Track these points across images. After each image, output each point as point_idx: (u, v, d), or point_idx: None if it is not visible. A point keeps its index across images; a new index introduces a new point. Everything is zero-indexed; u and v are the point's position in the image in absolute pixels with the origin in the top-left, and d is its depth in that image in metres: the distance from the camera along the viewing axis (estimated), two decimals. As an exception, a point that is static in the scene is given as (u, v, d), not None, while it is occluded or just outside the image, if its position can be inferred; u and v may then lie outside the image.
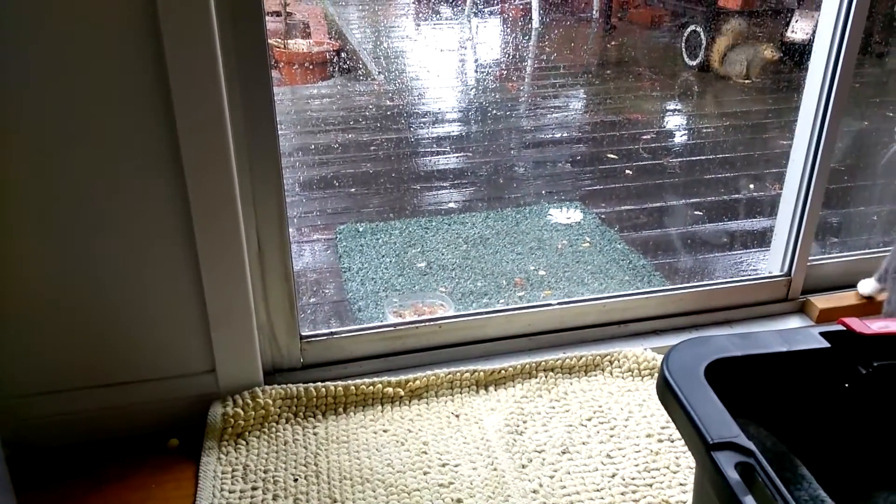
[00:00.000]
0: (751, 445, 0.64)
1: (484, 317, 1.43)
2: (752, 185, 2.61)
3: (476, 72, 3.74)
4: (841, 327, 0.81)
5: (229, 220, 1.15)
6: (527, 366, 1.38)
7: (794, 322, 1.53)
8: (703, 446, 0.65)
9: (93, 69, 1.02)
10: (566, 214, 2.34)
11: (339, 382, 1.31)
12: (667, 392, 0.72)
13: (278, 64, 3.36)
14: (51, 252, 1.11)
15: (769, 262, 1.59)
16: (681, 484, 1.14)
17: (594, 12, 4.38)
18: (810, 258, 1.55)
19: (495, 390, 1.36)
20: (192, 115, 1.06)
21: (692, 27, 3.83)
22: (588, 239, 2.20)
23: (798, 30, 3.66)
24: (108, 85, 1.03)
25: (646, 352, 1.40)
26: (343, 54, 3.56)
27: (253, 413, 1.25)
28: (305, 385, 1.30)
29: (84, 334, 1.18)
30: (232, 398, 1.26)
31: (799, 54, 3.61)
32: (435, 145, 2.88)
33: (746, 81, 3.65)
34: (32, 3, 0.97)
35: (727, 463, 0.63)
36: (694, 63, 3.83)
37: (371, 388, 1.32)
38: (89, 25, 1.00)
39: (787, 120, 3.21)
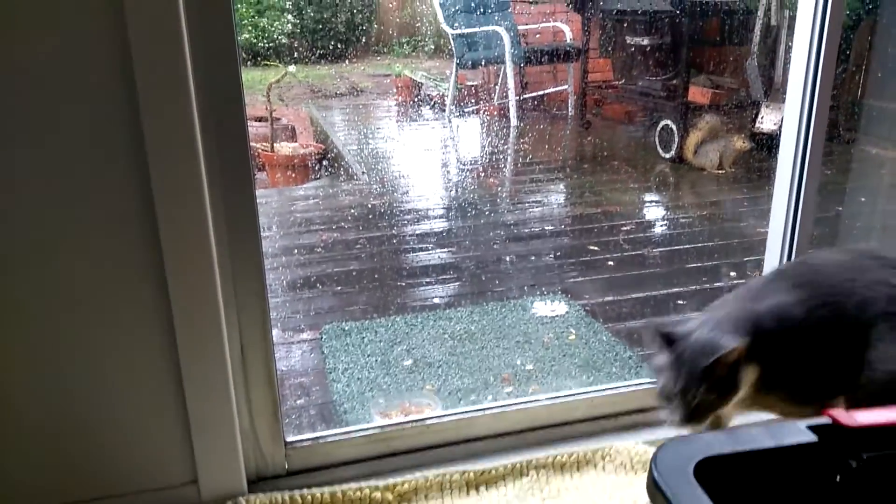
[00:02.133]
0: (744, 547, 0.63)
1: (472, 415, 1.41)
2: (732, 273, 2.65)
3: (458, 169, 3.84)
4: (828, 420, 0.81)
5: (211, 324, 1.14)
6: (517, 464, 1.35)
7: (783, 410, 1.52)
8: (696, 550, 0.64)
9: (67, 170, 1.03)
10: (551, 307, 2.35)
11: (326, 488, 1.28)
12: (657, 494, 0.71)
13: (265, 167, 3.44)
14: (21, 362, 1.10)
15: (754, 351, 1.59)
16: (680, 587, 1.10)
17: (569, 109, 4.55)
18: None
19: (486, 490, 1.32)
20: (175, 219, 1.07)
21: (664, 122, 3.98)
22: (574, 331, 2.20)
23: (766, 121, 3.81)
24: (87, 195, 1.05)
25: (638, 445, 1.38)
26: (328, 156, 3.65)
27: (236, 525, 1.21)
28: (290, 493, 1.26)
29: (57, 447, 1.15)
30: (215, 510, 1.22)
31: (768, 145, 3.74)
32: (419, 242, 2.92)
33: (720, 172, 3.77)
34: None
35: (722, 567, 0.61)
36: (668, 156, 3.96)
37: (359, 493, 1.28)
38: (71, 140, 1.02)
39: (762, 208, 3.29)
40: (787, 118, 1.46)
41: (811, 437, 0.80)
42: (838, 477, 0.80)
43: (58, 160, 1.03)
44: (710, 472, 0.73)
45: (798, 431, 0.80)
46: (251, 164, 1.14)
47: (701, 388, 1.10)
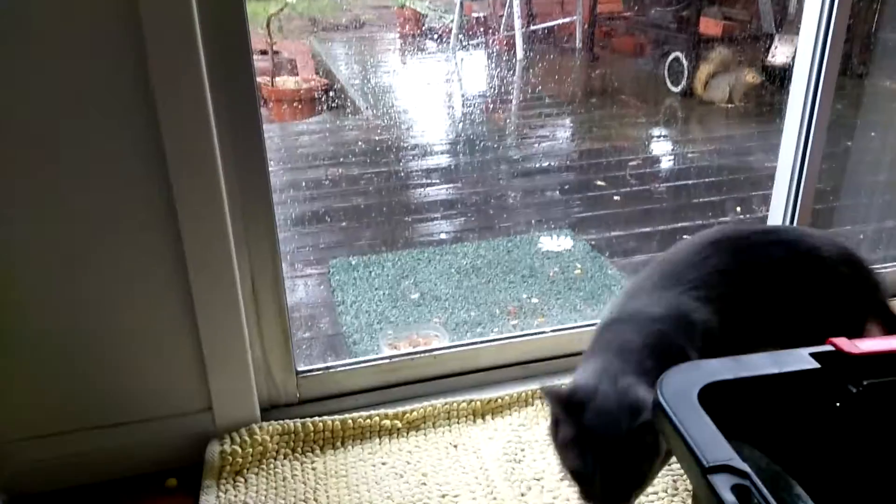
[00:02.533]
0: (745, 467, 0.65)
1: (478, 346, 1.43)
2: (738, 208, 2.64)
3: (463, 104, 3.79)
4: (830, 348, 0.82)
5: (222, 258, 1.16)
6: (523, 394, 1.38)
7: (785, 343, 1.54)
8: (698, 470, 0.66)
9: (84, 117, 1.04)
10: (557, 242, 2.36)
11: (336, 416, 1.31)
12: (662, 417, 0.73)
13: (267, 102, 3.40)
14: (43, 297, 1.12)
15: (758, 284, 1.61)
16: (680, 508, 1.15)
17: (577, 43, 4.45)
18: (799, 278, 1.56)
19: (492, 419, 1.36)
20: (183, 157, 1.08)
21: (674, 54, 3.90)
22: (579, 266, 2.22)
23: (779, 54, 3.73)
24: (97, 129, 1.05)
25: (640, 376, 1.41)
26: (331, 91, 3.60)
27: (251, 450, 1.24)
28: (303, 420, 1.30)
29: (78, 376, 1.18)
30: (229, 436, 1.26)
31: (780, 78, 3.67)
32: (425, 177, 2.91)
33: (730, 106, 3.71)
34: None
35: (723, 485, 0.63)
36: (677, 89, 3.89)
37: (368, 421, 1.32)
38: (78, 77, 1.01)
39: (771, 143, 3.25)
40: (801, 51, 1.44)
41: (814, 364, 0.81)
42: (838, 403, 0.82)
43: (67, 102, 1.02)
44: (713, 397, 0.75)
45: (801, 359, 0.82)
46: (258, 98, 1.14)
47: (626, 461, 0.89)
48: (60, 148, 1.04)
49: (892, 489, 0.84)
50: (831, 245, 1.09)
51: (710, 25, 3.91)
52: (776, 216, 1.55)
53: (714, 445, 0.68)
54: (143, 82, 1.03)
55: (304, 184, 2.76)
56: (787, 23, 3.74)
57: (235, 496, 1.18)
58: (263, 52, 3.44)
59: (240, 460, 1.23)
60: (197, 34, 1.03)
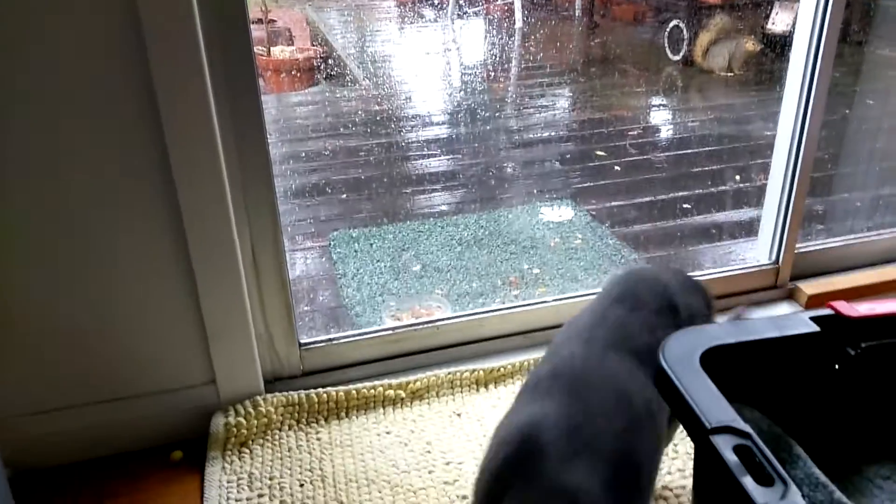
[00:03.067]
0: (747, 428, 0.66)
1: (481, 317, 1.44)
2: (738, 177, 2.64)
3: (462, 73, 3.76)
4: (830, 311, 0.83)
5: (223, 231, 1.16)
6: (525, 362, 1.40)
7: (783, 309, 1.56)
8: (701, 431, 0.67)
9: (80, 85, 1.03)
10: (557, 212, 2.36)
11: (340, 387, 1.33)
12: (665, 381, 0.74)
13: (263, 72, 3.37)
14: (44, 270, 1.12)
15: (757, 252, 1.62)
16: (679, 470, 1.16)
17: (577, 10, 4.40)
18: (797, 246, 1.57)
19: (495, 388, 1.37)
20: (181, 129, 1.07)
21: (674, 22, 3.86)
22: (580, 236, 2.22)
23: (778, 22, 3.70)
24: (94, 102, 1.04)
25: (641, 344, 1.42)
26: (328, 60, 3.56)
27: (255, 422, 1.26)
28: (307, 391, 1.31)
29: (81, 351, 1.18)
30: (234, 408, 1.27)
31: (780, 46, 3.64)
32: (425, 148, 2.90)
33: (729, 74, 3.69)
34: None
35: (725, 446, 0.64)
36: (677, 58, 3.86)
37: (372, 391, 1.33)
38: (75, 49, 1.01)
39: (770, 111, 3.24)
40: (801, 18, 1.43)
41: (813, 328, 0.82)
42: (837, 365, 0.83)
43: (65, 70, 1.01)
44: (715, 361, 0.76)
45: (801, 322, 0.83)
46: (255, 69, 1.13)
47: None
48: (59, 118, 1.03)
49: (889, 450, 0.85)
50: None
51: (710, -8, 3.87)
52: (775, 185, 1.55)
53: (716, 407, 0.69)
54: (140, 51, 1.02)
55: (302, 155, 2.75)
56: (788, -11, 3.71)
57: (241, 467, 1.20)
58: (258, 21, 3.40)
59: (244, 432, 1.25)
60: (195, 6, 1.02)
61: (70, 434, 1.22)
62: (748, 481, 0.61)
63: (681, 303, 0.97)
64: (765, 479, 0.61)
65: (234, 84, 1.12)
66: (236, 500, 1.14)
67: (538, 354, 1.40)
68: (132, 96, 1.05)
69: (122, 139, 1.07)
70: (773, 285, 1.58)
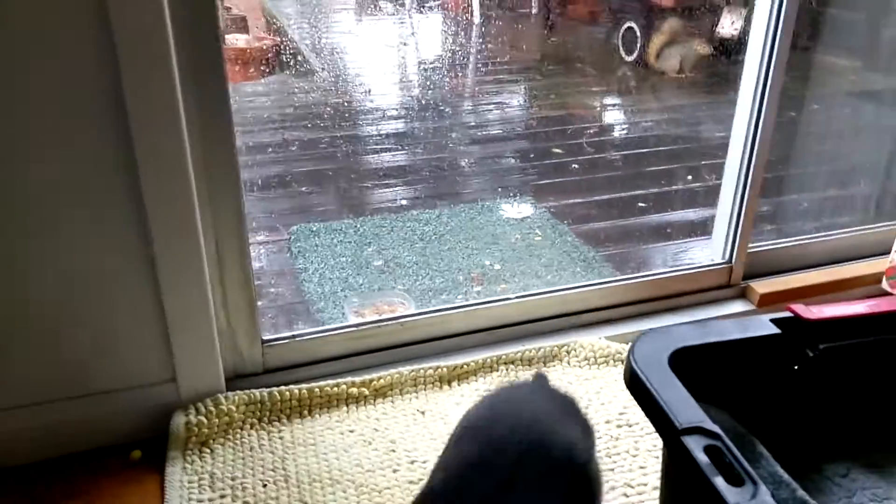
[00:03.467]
0: (717, 429, 0.68)
1: (444, 313, 1.45)
2: (690, 177, 2.70)
3: (419, 67, 3.75)
4: (789, 314, 0.86)
5: (187, 224, 1.13)
6: (488, 359, 1.41)
7: (737, 307, 1.60)
8: (672, 431, 0.69)
9: (44, 70, 0.99)
10: (517, 209, 2.38)
11: (303, 385, 1.31)
12: (635, 382, 0.75)
13: (218, 62, 3.29)
14: (1, 267, 1.08)
15: (712, 251, 1.66)
16: (641, 467, 1.19)
17: (534, 8, 4.44)
18: (749, 245, 1.62)
19: (459, 385, 1.38)
20: (147, 117, 1.04)
21: (628, 24, 3.93)
22: (539, 233, 2.25)
23: (727, 26, 3.80)
24: (58, 86, 1.01)
25: (600, 340, 1.45)
26: (285, 50, 3.51)
27: (217, 420, 1.24)
28: (269, 389, 1.29)
29: (40, 349, 1.15)
30: (194, 406, 1.25)
31: (728, 49, 3.74)
32: (384, 142, 2.89)
33: (681, 76, 3.77)
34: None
35: (696, 446, 0.66)
36: (631, 59, 3.93)
37: (335, 389, 1.32)
38: (41, 44, 0.97)
39: (720, 113, 3.33)
40: (755, 24, 1.47)
41: (774, 330, 0.85)
42: (797, 366, 0.86)
43: (27, 63, 0.98)
44: (683, 361, 0.78)
45: (763, 324, 0.86)
46: (223, 57, 1.11)
47: None
48: (19, 107, 1.00)
49: (847, 449, 0.89)
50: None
51: (663, -5, 3.95)
52: (729, 185, 1.59)
53: (686, 408, 0.71)
54: (107, 39, 0.99)
55: (258, 147, 2.71)
56: (736, -6, 3.81)
57: (202, 467, 1.18)
58: (213, 10, 3.31)
59: (205, 431, 1.22)
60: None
61: (27, 433, 1.18)
62: (719, 481, 0.63)
63: (556, 445, 0.78)
64: (735, 479, 0.63)
65: (200, 72, 1.09)
66: (198, 501, 1.12)
67: (501, 351, 1.42)
68: (98, 86, 1.02)
69: (86, 131, 1.04)
70: (727, 284, 1.62)
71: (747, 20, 1.45)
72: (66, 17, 0.97)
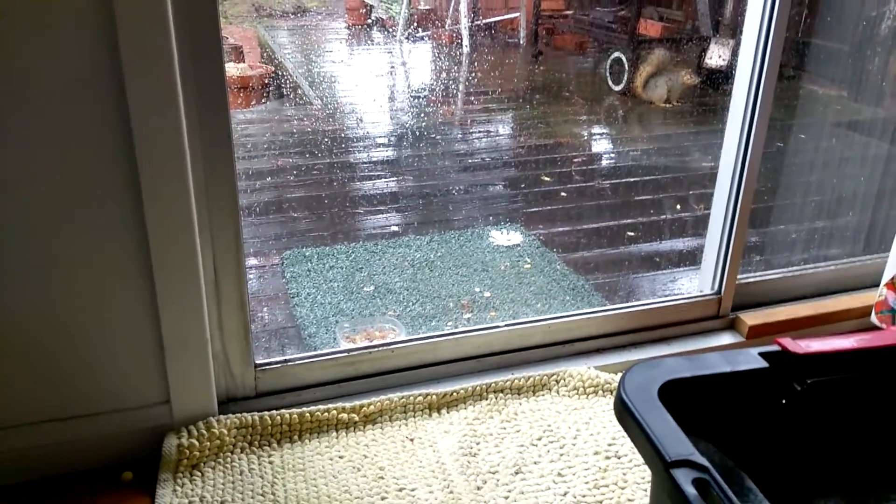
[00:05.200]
0: (705, 462, 0.69)
1: (434, 340, 1.45)
2: (678, 206, 2.74)
3: (410, 96, 3.80)
4: (777, 348, 0.88)
5: (187, 248, 1.14)
6: (477, 387, 1.42)
7: (725, 338, 1.62)
8: (661, 464, 0.70)
9: (52, 99, 1.01)
10: (507, 237, 2.40)
11: (294, 410, 1.32)
12: (625, 414, 0.77)
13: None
14: (-2, 286, 1.08)
15: (700, 282, 1.68)
16: (629, 500, 1.19)
17: (522, 39, 4.51)
18: (738, 276, 1.64)
19: (448, 413, 1.39)
20: (152, 142, 1.06)
21: (615, 54, 4.00)
22: (529, 261, 2.27)
23: (714, 56, 3.87)
24: (66, 115, 1.02)
25: (589, 370, 1.46)
26: (278, 79, 3.55)
27: (208, 443, 1.24)
28: (260, 413, 1.30)
29: (33, 367, 1.15)
30: (186, 429, 1.25)
31: (716, 79, 3.81)
32: (376, 169, 2.91)
33: (668, 105, 3.83)
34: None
35: (685, 479, 0.68)
36: (618, 88, 3.99)
37: (326, 414, 1.33)
38: (47, 53, 0.99)
39: (707, 142, 3.38)
40: (743, 55, 1.49)
41: (763, 364, 0.87)
42: (785, 400, 0.88)
43: (38, 89, 1.00)
44: (673, 393, 0.80)
45: (751, 358, 0.87)
46: (226, 87, 1.13)
47: None
48: (24, 128, 1.02)
49: (837, 483, 0.90)
50: None
51: (648, 27, 4.03)
52: (718, 216, 1.62)
53: (675, 441, 0.73)
54: (115, 69, 1.01)
55: (251, 173, 2.73)
56: (723, 27, 3.88)
57: (192, 490, 1.18)
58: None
59: (197, 454, 1.22)
60: (170, 20, 1.02)
61: (19, 453, 1.18)
62: (708, 513, 0.64)
63: None
64: (724, 511, 0.64)
65: (204, 101, 1.11)
66: (187, 526, 1.12)
67: (491, 379, 1.43)
68: (104, 109, 1.03)
69: (89, 152, 1.05)
70: (716, 315, 1.64)
71: (734, 53, 1.48)
72: (80, 55, 1.00)
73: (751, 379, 0.86)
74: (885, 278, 1.61)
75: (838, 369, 0.87)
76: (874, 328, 1.65)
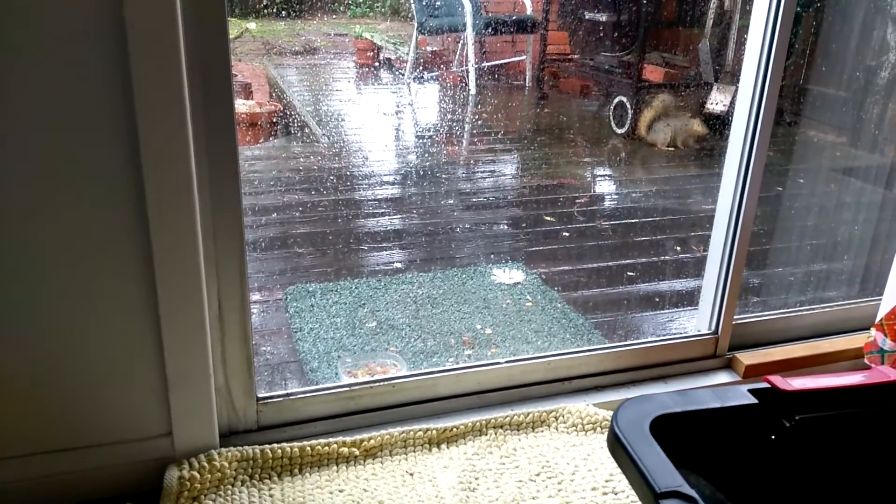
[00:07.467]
0: (694, 493, 0.71)
1: (435, 376, 1.48)
2: (678, 248, 2.77)
3: (416, 135, 3.86)
4: (766, 385, 0.90)
5: (192, 282, 1.17)
6: (477, 423, 1.43)
7: (722, 377, 1.63)
8: (651, 495, 0.72)
9: (63, 133, 1.05)
10: (508, 275, 2.43)
11: (295, 443, 1.33)
12: (617, 447, 0.79)
13: (222, 124, 3.38)
14: (2, 318, 1.11)
15: (698, 321, 1.70)
16: (626, 534, 1.21)
17: (527, 81, 4.59)
18: (735, 317, 1.66)
19: (447, 448, 1.40)
20: (161, 176, 1.09)
21: (619, 98, 4.07)
22: (530, 298, 2.29)
23: (717, 101, 3.94)
24: (77, 147, 1.06)
25: (588, 407, 1.48)
26: (286, 116, 3.62)
27: (209, 476, 1.25)
28: (261, 447, 1.31)
29: (38, 400, 1.17)
30: (188, 461, 1.26)
31: (718, 125, 3.87)
32: (381, 206, 2.96)
33: (671, 149, 3.89)
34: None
35: (674, 510, 0.70)
36: (622, 131, 4.06)
37: (326, 448, 1.34)
38: (61, 91, 1.03)
39: (708, 185, 3.42)
40: (740, 101, 1.53)
41: (752, 400, 0.89)
42: (773, 436, 0.90)
43: (49, 114, 1.04)
44: (664, 428, 0.82)
45: (741, 394, 0.90)
46: (235, 124, 1.17)
47: None
48: (30, 175, 1.05)
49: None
50: None
51: (652, 72, 4.11)
52: (715, 257, 1.65)
53: (665, 473, 0.75)
54: (127, 102, 1.05)
55: (257, 209, 2.77)
56: (724, 73, 3.96)
57: (193, 521, 1.19)
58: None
59: (198, 486, 1.24)
60: (181, 55, 1.06)
61: (22, 484, 1.19)
62: (696, 543, 0.66)
63: None
64: (711, 541, 0.66)
65: (213, 140, 1.15)
66: (187, 557, 1.13)
67: (490, 415, 1.44)
68: (116, 152, 1.07)
69: (99, 184, 1.08)
70: (713, 354, 1.66)
71: (734, 99, 1.52)
72: (92, 92, 1.04)
73: (741, 414, 0.88)
74: (877, 321, 1.64)
75: (827, 406, 0.89)
76: (865, 367, 1.66)
